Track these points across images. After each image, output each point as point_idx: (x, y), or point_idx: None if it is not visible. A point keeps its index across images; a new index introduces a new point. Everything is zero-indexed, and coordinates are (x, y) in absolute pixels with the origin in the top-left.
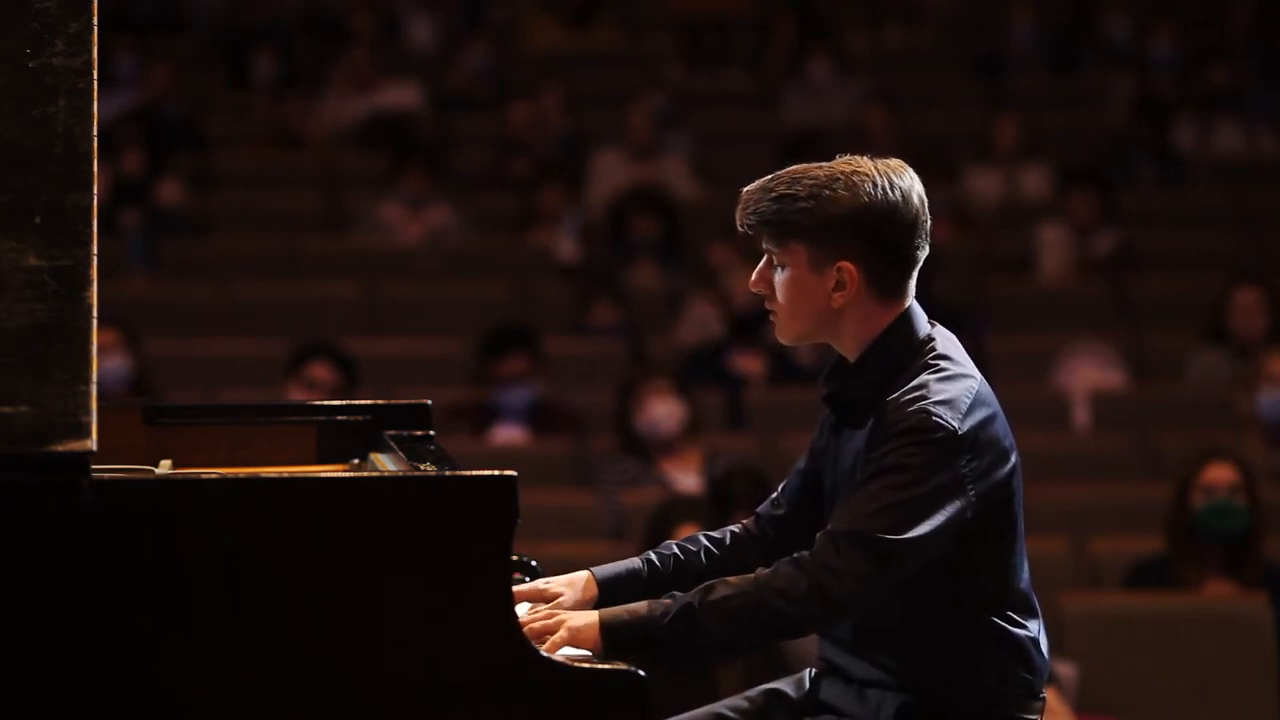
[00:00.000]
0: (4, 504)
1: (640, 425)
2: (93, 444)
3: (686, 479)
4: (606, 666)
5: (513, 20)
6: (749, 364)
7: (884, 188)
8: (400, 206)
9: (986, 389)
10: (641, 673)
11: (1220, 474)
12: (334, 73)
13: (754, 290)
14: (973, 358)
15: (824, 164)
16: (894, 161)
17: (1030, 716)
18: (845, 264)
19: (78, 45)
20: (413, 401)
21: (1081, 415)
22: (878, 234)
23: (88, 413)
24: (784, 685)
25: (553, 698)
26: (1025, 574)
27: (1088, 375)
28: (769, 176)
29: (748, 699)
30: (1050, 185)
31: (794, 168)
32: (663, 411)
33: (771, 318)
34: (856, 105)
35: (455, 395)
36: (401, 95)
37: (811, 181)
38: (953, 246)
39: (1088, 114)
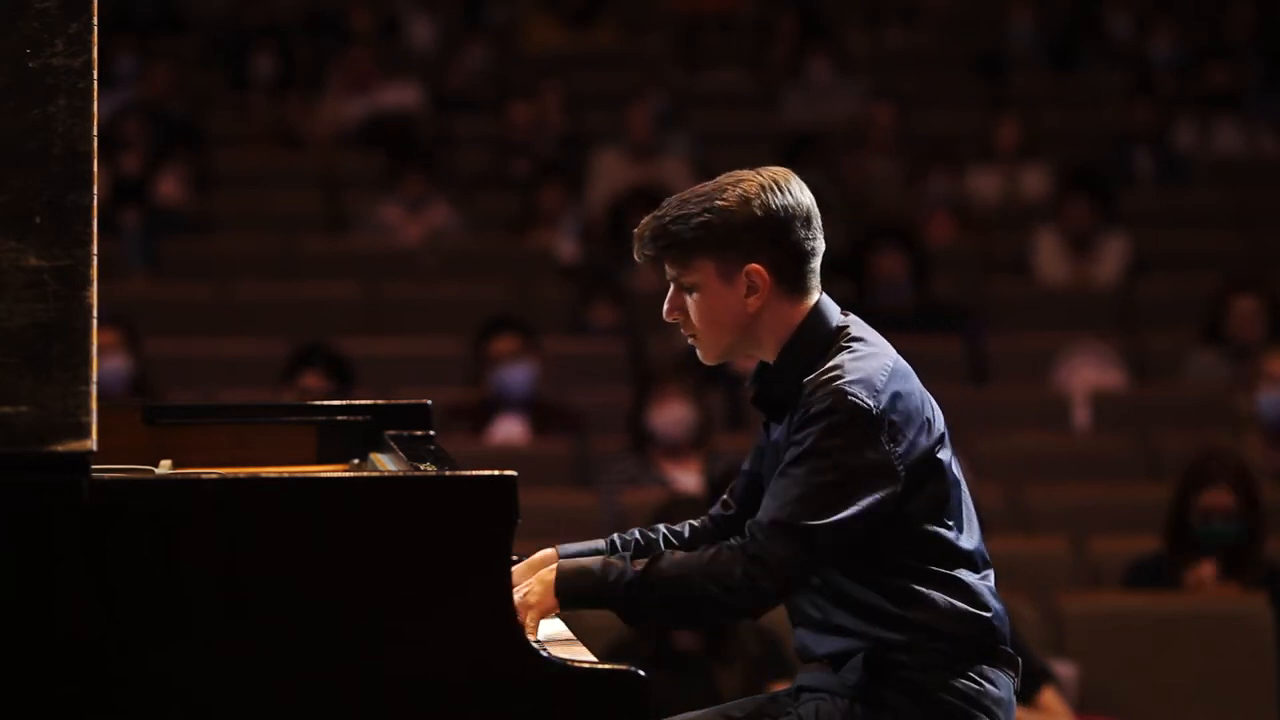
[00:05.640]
0: (4, 504)
1: (651, 427)
2: (93, 444)
3: (686, 479)
4: (607, 666)
5: (513, 20)
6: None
7: (772, 189)
8: (400, 207)
9: (903, 365)
10: (641, 673)
11: (1216, 499)
12: (334, 73)
13: (669, 320)
14: (973, 358)
15: (707, 182)
16: (778, 169)
17: (1004, 670)
18: (753, 267)
19: (78, 45)
20: (413, 401)
21: (1081, 415)
22: (778, 232)
23: (88, 413)
24: (781, 692)
25: (552, 697)
26: (975, 537)
27: (1088, 375)
28: (656, 209)
29: (753, 701)
30: (1050, 185)
31: (677, 195)
32: (674, 417)
33: (691, 342)
34: (857, 105)
35: (455, 395)
36: (401, 95)
37: (702, 198)
38: (953, 246)
39: (1088, 114)
